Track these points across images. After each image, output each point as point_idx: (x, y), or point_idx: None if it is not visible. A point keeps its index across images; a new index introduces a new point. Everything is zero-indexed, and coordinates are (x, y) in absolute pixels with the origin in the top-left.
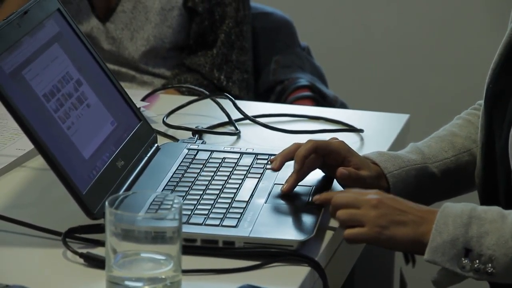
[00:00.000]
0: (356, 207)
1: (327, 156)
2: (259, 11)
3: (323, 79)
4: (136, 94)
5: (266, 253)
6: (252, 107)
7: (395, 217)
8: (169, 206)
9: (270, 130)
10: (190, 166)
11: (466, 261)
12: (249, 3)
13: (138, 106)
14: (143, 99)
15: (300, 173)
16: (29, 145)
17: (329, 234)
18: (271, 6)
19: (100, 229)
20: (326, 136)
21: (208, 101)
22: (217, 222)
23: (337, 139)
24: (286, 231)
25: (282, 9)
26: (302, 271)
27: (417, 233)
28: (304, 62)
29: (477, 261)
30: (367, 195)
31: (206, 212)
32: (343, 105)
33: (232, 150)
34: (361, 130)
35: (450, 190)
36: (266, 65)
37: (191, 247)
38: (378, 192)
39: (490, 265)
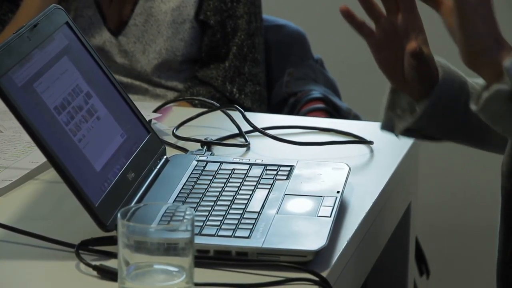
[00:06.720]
0: None
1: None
2: (272, 24)
3: (337, 91)
4: (148, 106)
5: (279, 264)
6: (263, 119)
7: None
8: (181, 218)
9: (279, 142)
10: (200, 178)
11: None
12: (261, 16)
13: (150, 118)
14: (154, 111)
15: None
16: (41, 158)
17: (341, 245)
18: (284, 18)
19: (113, 241)
20: (335, 148)
21: (219, 113)
22: (229, 233)
23: None
24: (299, 241)
25: (295, 22)
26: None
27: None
28: (318, 74)
29: None
30: None
31: (218, 223)
32: (356, 117)
33: (241, 161)
34: (371, 142)
35: None
36: (279, 77)
37: (204, 257)
38: None
39: None
